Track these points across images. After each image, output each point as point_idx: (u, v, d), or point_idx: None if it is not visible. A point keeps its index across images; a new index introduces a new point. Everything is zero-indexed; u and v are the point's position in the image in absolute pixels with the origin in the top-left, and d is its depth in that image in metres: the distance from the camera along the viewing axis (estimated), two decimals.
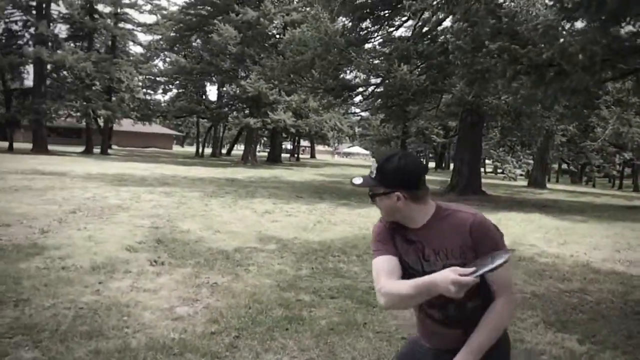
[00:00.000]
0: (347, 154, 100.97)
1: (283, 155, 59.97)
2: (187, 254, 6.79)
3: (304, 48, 16.53)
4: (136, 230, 8.14)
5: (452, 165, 30.14)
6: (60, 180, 16.06)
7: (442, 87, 15.33)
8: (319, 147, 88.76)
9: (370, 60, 15.54)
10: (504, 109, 14.58)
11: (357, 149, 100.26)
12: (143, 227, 8.47)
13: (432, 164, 68.93)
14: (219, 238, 8.05)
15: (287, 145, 70.24)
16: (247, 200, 13.63)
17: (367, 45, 19.26)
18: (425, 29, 17.93)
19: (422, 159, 54.82)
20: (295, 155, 58.81)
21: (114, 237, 7.48)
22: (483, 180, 27.50)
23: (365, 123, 57.59)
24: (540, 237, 10.05)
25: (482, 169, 60.58)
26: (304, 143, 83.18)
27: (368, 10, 18.04)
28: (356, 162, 72.08)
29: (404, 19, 18.23)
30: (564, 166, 60.85)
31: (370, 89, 20.30)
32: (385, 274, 1.88)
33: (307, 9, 19.29)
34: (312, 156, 73.82)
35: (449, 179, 21.82)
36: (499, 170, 40.94)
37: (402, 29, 20.07)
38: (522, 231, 10.81)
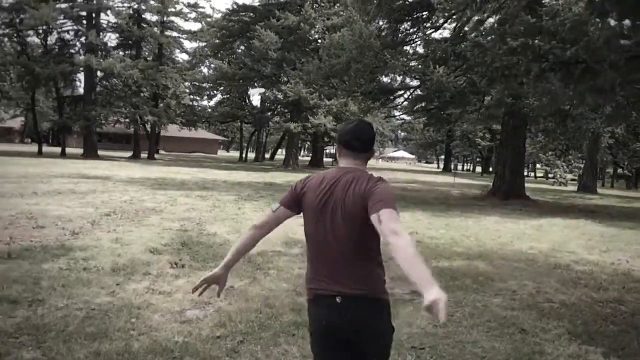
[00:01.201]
0: (392, 159, 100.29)
1: (326, 159, 60.06)
2: (210, 257, 6.80)
3: (341, 52, 16.44)
4: (164, 233, 8.23)
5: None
6: (103, 184, 16.53)
7: (482, 90, 14.93)
8: None
9: (407, 63, 15.27)
10: (546, 111, 14.05)
11: (402, 154, 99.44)
12: (171, 230, 8.56)
13: (479, 169, 67.54)
14: None
15: (332, 149, 70.29)
16: None
17: (406, 48, 19.04)
18: (466, 29, 17.56)
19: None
20: (336, 159, 58.71)
21: (140, 240, 7.58)
22: (532, 186, 26.73)
23: (408, 127, 56.94)
24: (582, 244, 9.62)
25: (533, 174, 58.95)
26: None
27: (406, 12, 17.79)
28: (400, 166, 71.41)
29: (442, 20, 17.86)
30: (620, 171, 58.43)
31: (409, 92, 20.01)
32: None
33: (345, 12, 19.16)
34: None
35: (492, 184, 21.26)
36: (550, 175, 39.62)
37: (443, 31, 19.67)
38: (563, 238, 10.39)
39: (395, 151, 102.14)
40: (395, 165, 78.23)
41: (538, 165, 57.31)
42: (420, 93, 19.64)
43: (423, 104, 20.59)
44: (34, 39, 38.84)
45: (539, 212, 15.28)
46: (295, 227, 9.86)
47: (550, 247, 9.10)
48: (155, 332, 4.12)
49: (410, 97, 20.85)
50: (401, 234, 1.97)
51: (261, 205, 12.92)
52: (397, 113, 30.37)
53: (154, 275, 5.79)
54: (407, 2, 16.57)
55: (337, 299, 2.17)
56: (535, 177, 55.86)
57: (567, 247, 9.24)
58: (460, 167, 72.55)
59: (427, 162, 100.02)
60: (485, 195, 19.69)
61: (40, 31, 36.79)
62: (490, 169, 68.69)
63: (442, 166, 66.38)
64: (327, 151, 75.55)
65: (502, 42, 8.11)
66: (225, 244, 7.75)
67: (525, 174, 25.07)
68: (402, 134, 63.75)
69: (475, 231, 10.57)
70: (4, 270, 5.47)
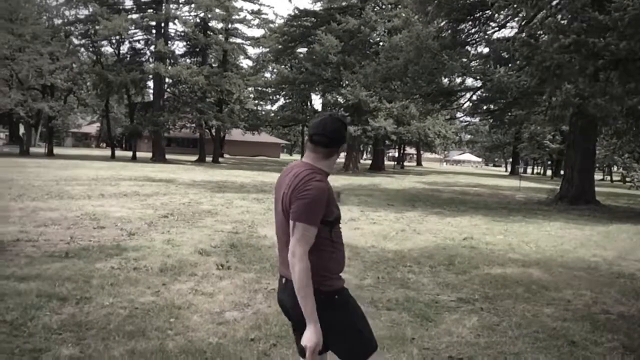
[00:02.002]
0: (457, 162, 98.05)
1: (387, 162, 59.54)
2: (256, 259, 6.86)
3: (398, 53, 16.24)
4: (215, 235, 8.39)
5: None
6: (166, 186, 17.10)
7: (546, 89, 14.30)
8: (426, 155, 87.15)
9: (466, 63, 14.85)
10: (616, 111, 13.24)
11: (467, 156, 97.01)
12: (223, 232, 8.71)
13: (549, 172, 64.85)
14: None
15: (394, 152, 69.70)
16: None
17: (467, 48, 18.56)
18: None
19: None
20: (400, 163, 58.04)
21: (191, 241, 7.76)
22: (605, 190, 25.38)
23: (472, 129, 55.49)
24: None
25: (609, 178, 55.85)
26: (411, 151, 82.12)
27: (466, 11, 17.33)
28: (465, 169, 69.75)
29: (503, 18, 17.28)
30: None
31: (470, 93, 19.50)
32: (309, 246, 2.14)
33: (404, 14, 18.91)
34: (419, 164, 72.53)
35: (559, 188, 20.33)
36: (628, 179, 37.35)
37: (506, 30, 19.02)
38: (632, 245, 9.78)
39: (460, 154, 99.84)
40: (459, 168, 76.49)
41: (614, 168, 54.37)
42: (481, 94, 19.12)
43: (485, 106, 20.03)
44: (108, 49, 40.97)
45: (608, 218, 14.47)
46: (345, 230, 9.84)
47: (615, 254, 8.57)
48: (191, 332, 4.18)
49: (472, 99, 20.33)
50: (296, 258, 2.10)
51: None
52: (459, 115, 29.66)
53: (199, 276, 5.90)
54: (468, 1, 16.13)
55: (282, 280, 2.35)
56: (611, 180, 52.91)
57: (634, 255, 8.67)
58: (529, 170, 69.92)
59: (494, 165, 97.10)
60: (552, 200, 18.85)
61: (113, 41, 38.72)
62: (561, 172, 65.85)
63: (510, 169, 64.22)
64: (390, 154, 75.02)
65: (557, 39, 7.69)
66: (274, 246, 7.79)
67: (600, 177, 23.72)
68: (467, 136, 62.05)
69: (535, 237, 10.12)
70: (59, 269, 5.73)
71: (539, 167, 74.46)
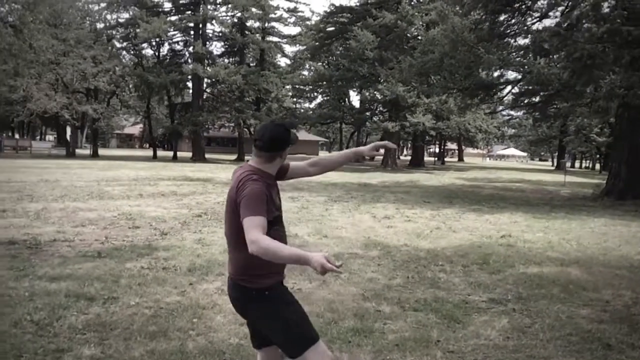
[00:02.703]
0: (501, 156, 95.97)
1: (427, 158, 58.73)
2: None
3: (434, 47, 15.94)
4: None
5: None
6: (203, 186, 17.32)
7: (590, 81, 13.74)
8: (469, 150, 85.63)
9: (504, 56, 14.39)
10: None
11: (512, 151, 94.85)
12: None
13: (597, 166, 62.71)
14: (323, 243, 8.01)
15: (435, 148, 68.73)
16: (370, 204, 13.48)
17: (506, 40, 18.04)
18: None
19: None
20: (441, 159, 57.13)
21: (222, 240, 7.72)
22: None
23: (515, 123, 54.11)
24: None
25: None
26: (452, 146, 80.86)
27: (505, 2, 16.85)
28: (509, 164, 68.14)
29: (545, 6, 16.69)
30: None
31: (510, 86, 18.98)
32: (262, 229, 2.24)
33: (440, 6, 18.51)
34: (460, 159, 71.32)
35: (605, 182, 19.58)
36: None
37: (546, 20, 18.41)
38: None
39: (504, 148, 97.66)
40: (503, 163, 74.80)
41: None
42: (521, 87, 18.58)
43: (526, 99, 19.46)
44: (148, 51, 41.87)
45: None
46: (378, 228, 9.73)
47: None
48: (212, 333, 4.17)
49: (512, 92, 19.79)
50: (255, 245, 2.18)
51: (349, 207, 12.86)
52: (500, 108, 28.93)
53: (226, 275, 5.88)
54: None
55: (229, 278, 2.62)
56: None
57: None
58: (577, 165, 67.77)
59: (540, 160, 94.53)
60: (597, 195, 18.16)
61: (153, 43, 39.50)
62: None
63: (556, 164, 62.39)
64: (430, 150, 73.98)
65: (589, 29, 7.32)
66: (303, 245, 7.75)
67: None
68: (509, 130, 60.56)
69: (577, 234, 9.75)
70: (90, 268, 5.84)
71: (587, 161, 72.13)
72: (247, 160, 2.57)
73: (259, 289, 2.45)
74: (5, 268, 5.70)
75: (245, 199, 2.30)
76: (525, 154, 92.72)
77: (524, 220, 11.56)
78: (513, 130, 60.61)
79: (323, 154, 2.34)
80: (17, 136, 53.76)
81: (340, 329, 4.32)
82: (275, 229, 2.43)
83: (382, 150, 2.76)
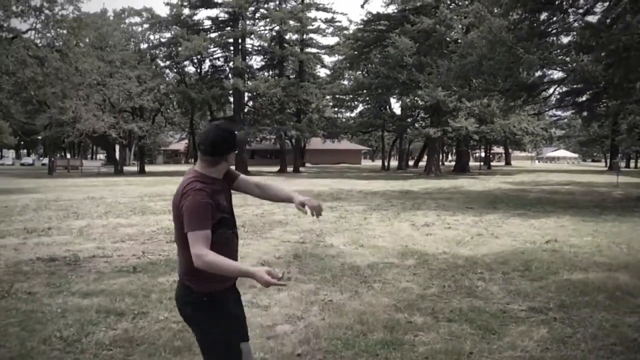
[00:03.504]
0: (551, 159, 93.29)
1: (473, 163, 57.58)
2: (318, 269, 6.73)
3: (472, 49, 15.61)
4: (281, 245, 8.37)
5: None
6: (243, 198, 17.30)
7: (627, 75, 13.11)
8: (517, 154, 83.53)
9: (545, 55, 13.90)
10: None
11: (562, 153, 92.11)
12: (289, 242, 8.67)
13: None
14: (358, 253, 7.87)
15: (481, 153, 67.38)
16: (410, 212, 13.24)
17: (549, 39, 17.49)
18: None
19: None
20: (487, 163, 55.92)
21: (256, 252, 7.77)
22: None
23: (564, 124, 52.42)
24: None
25: None
26: (499, 150, 79.07)
27: (545, 0, 16.34)
28: (559, 166, 66.07)
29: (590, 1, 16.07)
30: None
31: (554, 86, 18.37)
32: (206, 243, 2.27)
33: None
34: (507, 163, 69.62)
35: None
36: None
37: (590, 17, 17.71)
38: None
39: (554, 150, 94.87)
40: (552, 165, 72.59)
41: None
42: (566, 86, 17.96)
43: (571, 98, 18.78)
44: (190, 68, 42.86)
45: None
46: (417, 236, 9.51)
47: None
48: None
49: (556, 92, 19.16)
50: (200, 261, 2.23)
51: (388, 215, 12.66)
52: (546, 109, 28.06)
53: (257, 288, 5.83)
54: None
55: (178, 277, 2.58)
56: None
57: None
58: (632, 165, 64.98)
59: (593, 161, 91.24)
60: None
61: (195, 60, 40.42)
62: None
63: (609, 164, 60.01)
64: (476, 155, 72.54)
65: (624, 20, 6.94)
66: (338, 255, 7.65)
67: None
68: (557, 131, 58.69)
69: (628, 237, 9.25)
70: (123, 284, 5.90)
71: None
72: (193, 166, 2.58)
73: (199, 293, 2.44)
74: (43, 285, 5.84)
75: (187, 212, 2.30)
76: (576, 155, 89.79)
77: (572, 224, 11.09)
78: (561, 132, 58.68)
79: (272, 182, 2.30)
80: (68, 156, 55.82)
81: (368, 342, 4.19)
82: (221, 232, 2.40)
83: (306, 208, 2.70)
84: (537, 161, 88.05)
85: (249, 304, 5.22)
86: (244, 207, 14.67)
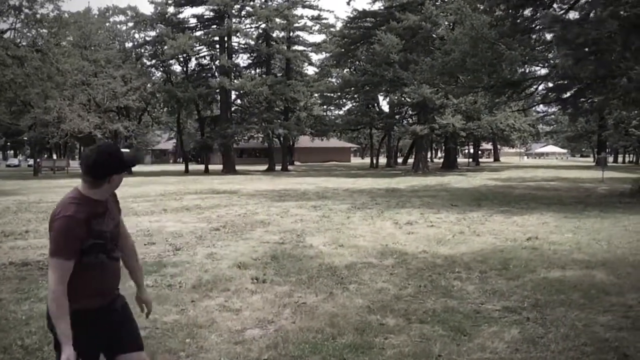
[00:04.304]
0: (540, 154, 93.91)
1: (462, 160, 57.72)
2: (294, 270, 6.64)
3: (454, 46, 15.57)
4: (259, 247, 8.28)
5: None
6: (228, 198, 17.33)
7: (618, 73, 13.14)
8: (506, 150, 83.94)
9: (527, 52, 13.88)
10: None
11: (551, 148, 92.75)
12: (269, 243, 8.58)
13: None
14: (337, 253, 7.80)
15: (469, 149, 67.59)
16: (394, 211, 13.19)
17: (531, 36, 17.50)
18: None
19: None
20: (475, 160, 56.07)
21: (233, 254, 7.67)
22: None
23: (551, 119, 52.71)
24: None
25: None
26: (487, 146, 79.42)
27: None
28: (547, 162, 66.52)
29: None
30: None
31: (538, 83, 18.38)
32: (62, 275, 2.24)
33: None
34: (496, 159, 69.94)
35: None
36: None
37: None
38: None
39: (543, 146, 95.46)
40: (541, 161, 73.03)
41: None
42: (550, 82, 17.98)
43: (555, 94, 18.81)
44: (177, 67, 42.55)
45: None
46: (398, 235, 9.45)
47: None
48: (203, 354, 4.03)
49: (540, 88, 19.19)
50: (51, 291, 2.24)
51: (372, 214, 12.60)
52: (532, 105, 28.14)
53: (231, 291, 5.77)
54: None
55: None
56: None
57: None
58: (620, 159, 65.45)
59: (582, 156, 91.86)
60: (636, 190, 17.37)
61: (181, 59, 40.10)
62: None
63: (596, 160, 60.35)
64: (465, 151, 72.71)
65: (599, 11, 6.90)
66: (316, 256, 7.57)
67: None
68: (544, 127, 59.00)
69: (608, 234, 9.25)
70: None
71: (631, 155, 69.61)
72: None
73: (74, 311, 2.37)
74: (11, 290, 5.71)
75: (53, 237, 2.27)
76: (565, 150, 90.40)
77: (554, 221, 11.08)
78: (549, 127, 58.99)
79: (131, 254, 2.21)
80: (54, 157, 55.32)
81: (336, 346, 4.12)
82: (91, 258, 2.35)
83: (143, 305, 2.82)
84: (525, 157, 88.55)
85: (220, 308, 5.15)
86: (228, 207, 14.58)
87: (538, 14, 17.61)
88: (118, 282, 2.55)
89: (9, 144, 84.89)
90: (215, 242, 8.71)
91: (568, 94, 18.66)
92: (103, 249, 2.40)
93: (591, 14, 14.51)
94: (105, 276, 2.45)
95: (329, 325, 4.60)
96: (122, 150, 2.59)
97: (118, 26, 41.09)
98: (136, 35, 41.12)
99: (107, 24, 40.67)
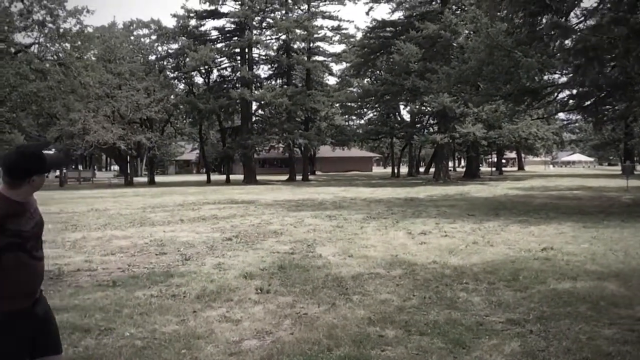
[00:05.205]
0: (567, 163, 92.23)
1: (485, 169, 57.04)
2: (300, 281, 6.62)
3: (470, 54, 15.45)
4: (268, 257, 8.27)
5: None
6: (245, 208, 17.40)
7: (638, 80, 12.87)
8: (531, 158, 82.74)
9: (543, 59, 13.67)
10: None
11: (578, 157, 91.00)
12: (278, 253, 8.57)
13: None
14: (346, 263, 7.75)
15: (493, 158, 66.78)
16: (409, 220, 13.08)
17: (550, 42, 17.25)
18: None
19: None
20: (498, 169, 55.35)
21: (241, 264, 7.68)
22: None
23: (575, 127, 51.79)
24: None
25: None
26: (511, 155, 78.44)
27: (544, 3, 16.14)
28: (574, 170, 65.29)
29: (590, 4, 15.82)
30: None
31: (558, 90, 18.09)
32: None
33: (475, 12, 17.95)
34: (520, 168, 69.00)
35: None
36: None
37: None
38: None
39: (569, 154, 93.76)
40: (567, 170, 71.74)
41: None
42: (571, 90, 17.69)
43: (575, 102, 18.50)
44: (199, 79, 43.15)
45: None
46: (410, 245, 9.35)
47: None
48: None
49: (560, 96, 18.90)
50: None
51: (386, 223, 12.51)
52: (553, 113, 27.70)
53: (234, 301, 5.76)
54: None
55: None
56: None
57: None
58: None
59: (609, 164, 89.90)
60: None
61: (203, 70, 40.63)
62: None
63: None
64: (489, 160, 71.83)
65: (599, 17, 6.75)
66: (324, 266, 7.53)
67: None
68: (569, 135, 57.94)
69: (626, 244, 9.02)
70: (98, 298, 5.85)
71: None
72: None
73: None
74: None
75: None
76: (592, 159, 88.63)
77: (572, 231, 10.86)
78: (573, 136, 57.92)
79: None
80: (80, 168, 56.38)
81: (331, 357, 4.08)
82: (9, 256, 2.38)
83: None
84: (551, 166, 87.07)
85: (220, 319, 5.15)
86: (243, 217, 14.64)
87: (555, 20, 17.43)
88: (41, 282, 2.58)
89: None
90: (225, 252, 8.74)
91: (589, 102, 18.37)
92: (22, 248, 2.43)
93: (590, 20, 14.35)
94: (28, 276, 2.49)
95: (326, 336, 4.56)
96: (46, 152, 2.63)
97: (142, 39, 41.86)
98: (159, 48, 41.87)
99: (132, 38, 41.46)
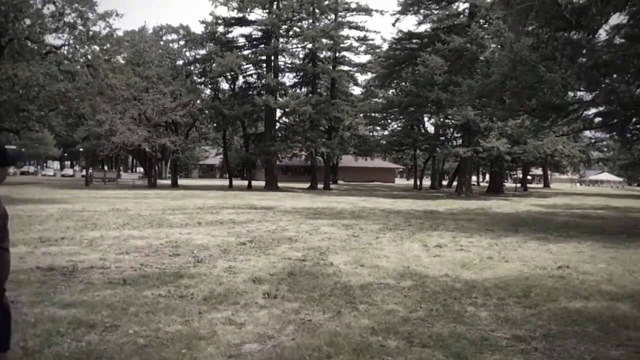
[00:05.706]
0: (594, 182, 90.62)
1: (510, 185, 56.30)
2: (308, 288, 6.62)
3: (494, 68, 15.33)
4: (280, 262, 8.29)
5: None
6: (263, 214, 17.48)
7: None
8: (557, 176, 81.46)
9: (567, 75, 13.50)
10: None
11: (606, 176, 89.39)
12: (290, 260, 8.59)
13: None
14: (356, 272, 7.72)
15: (519, 174, 65.92)
16: (426, 233, 12.98)
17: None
18: None
19: None
20: (523, 185, 54.60)
21: (252, 269, 7.71)
22: None
23: (602, 146, 50.84)
24: None
25: None
26: (537, 172, 77.38)
27: (570, 21, 15.95)
28: (601, 190, 64.03)
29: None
30: None
31: (584, 107, 17.81)
32: None
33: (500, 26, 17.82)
34: (546, 185, 67.97)
35: None
36: None
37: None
38: None
39: (598, 173, 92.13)
40: (594, 189, 70.44)
41: None
42: (596, 108, 17.41)
43: (601, 119, 18.19)
44: (225, 85, 43.65)
45: None
46: (424, 258, 9.28)
47: None
48: None
49: (588, 113, 18.60)
50: None
51: (402, 235, 12.44)
52: (578, 130, 27.26)
53: (240, 305, 5.79)
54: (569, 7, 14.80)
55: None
56: None
57: None
58: None
59: (639, 185, 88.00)
60: None
61: (229, 77, 41.09)
62: None
63: None
64: (515, 176, 70.95)
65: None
66: (334, 274, 7.52)
67: None
68: (597, 153, 56.90)
69: None
70: (107, 295, 5.93)
71: None
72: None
73: None
74: (30, 294, 5.91)
75: None
76: (621, 179, 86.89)
77: (591, 250, 10.64)
78: (600, 154, 56.86)
79: None
80: (106, 168, 57.35)
81: None
82: None
83: None
84: (578, 184, 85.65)
85: (224, 321, 5.17)
86: (260, 222, 14.72)
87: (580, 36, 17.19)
88: (7, 274, 2.66)
89: (65, 154, 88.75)
90: (237, 257, 8.78)
91: (615, 120, 18.04)
92: None
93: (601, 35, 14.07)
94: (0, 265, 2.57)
95: (327, 344, 4.55)
96: (7, 147, 2.74)
97: (170, 44, 42.56)
98: (187, 54, 42.50)
99: (161, 42, 42.17)
